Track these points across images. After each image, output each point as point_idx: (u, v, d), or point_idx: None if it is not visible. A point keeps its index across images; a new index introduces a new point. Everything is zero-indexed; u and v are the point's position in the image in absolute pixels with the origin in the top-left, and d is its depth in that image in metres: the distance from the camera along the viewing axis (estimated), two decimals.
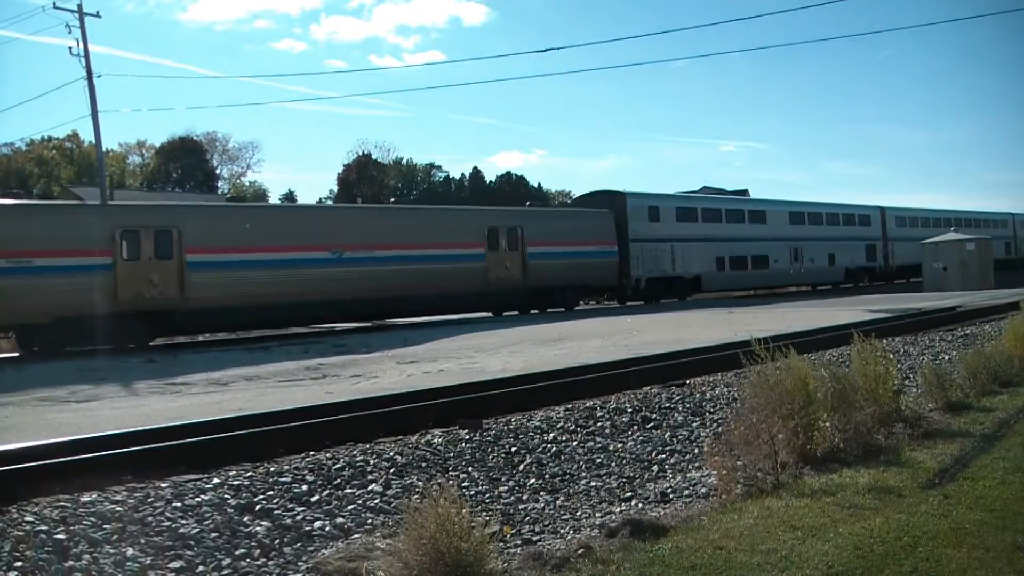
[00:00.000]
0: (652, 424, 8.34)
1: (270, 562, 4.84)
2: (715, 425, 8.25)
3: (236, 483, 5.95)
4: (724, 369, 11.33)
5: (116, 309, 21.33)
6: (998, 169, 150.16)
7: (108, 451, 6.74)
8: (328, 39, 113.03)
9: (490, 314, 30.24)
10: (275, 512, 5.52)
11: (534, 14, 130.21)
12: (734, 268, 37.88)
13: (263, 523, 5.33)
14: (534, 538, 5.26)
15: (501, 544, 5.02)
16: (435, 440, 7.39)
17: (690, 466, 6.98)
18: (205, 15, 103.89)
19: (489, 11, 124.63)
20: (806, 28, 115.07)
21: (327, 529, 5.34)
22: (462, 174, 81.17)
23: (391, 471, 6.50)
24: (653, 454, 7.35)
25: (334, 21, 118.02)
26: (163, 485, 5.85)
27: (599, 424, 8.23)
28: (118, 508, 5.35)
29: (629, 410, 8.78)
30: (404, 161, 79.06)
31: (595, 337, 19.53)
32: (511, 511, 5.82)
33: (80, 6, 32.20)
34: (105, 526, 5.05)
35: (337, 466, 6.51)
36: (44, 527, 4.96)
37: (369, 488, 6.11)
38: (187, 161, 53.97)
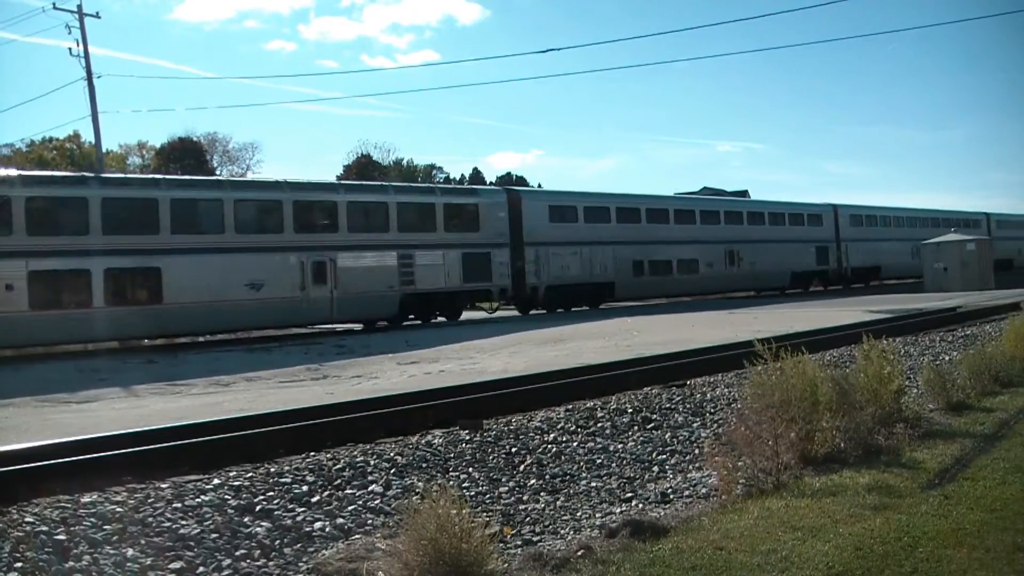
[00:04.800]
0: (652, 425, 8.34)
1: (270, 563, 4.84)
2: (715, 426, 8.25)
3: (236, 484, 5.95)
4: (725, 370, 11.33)
5: None
6: (998, 169, 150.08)
7: (108, 452, 6.74)
8: (319, 39, 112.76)
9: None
10: (275, 513, 5.52)
11: (529, 13, 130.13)
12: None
13: (263, 524, 5.33)
14: (534, 539, 5.26)
15: (501, 545, 5.02)
16: (435, 441, 7.39)
17: (690, 466, 6.98)
18: (193, 15, 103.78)
19: (483, 10, 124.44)
20: (805, 29, 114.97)
21: (327, 530, 5.34)
22: (462, 175, 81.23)
23: (391, 472, 6.50)
24: (653, 455, 7.35)
25: (324, 21, 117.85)
26: (163, 486, 5.85)
27: (599, 425, 8.23)
28: (118, 509, 5.35)
29: (630, 411, 8.78)
30: (404, 162, 78.94)
31: (596, 338, 19.53)
32: (511, 512, 5.82)
33: (80, 7, 32.29)
34: (105, 527, 5.05)
35: (337, 467, 6.51)
36: (44, 528, 4.96)
37: (369, 489, 6.11)
38: (187, 162, 53.93)
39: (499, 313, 31.10)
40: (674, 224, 36.83)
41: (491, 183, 74.44)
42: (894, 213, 51.74)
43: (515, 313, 31.83)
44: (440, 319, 28.22)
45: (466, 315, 29.88)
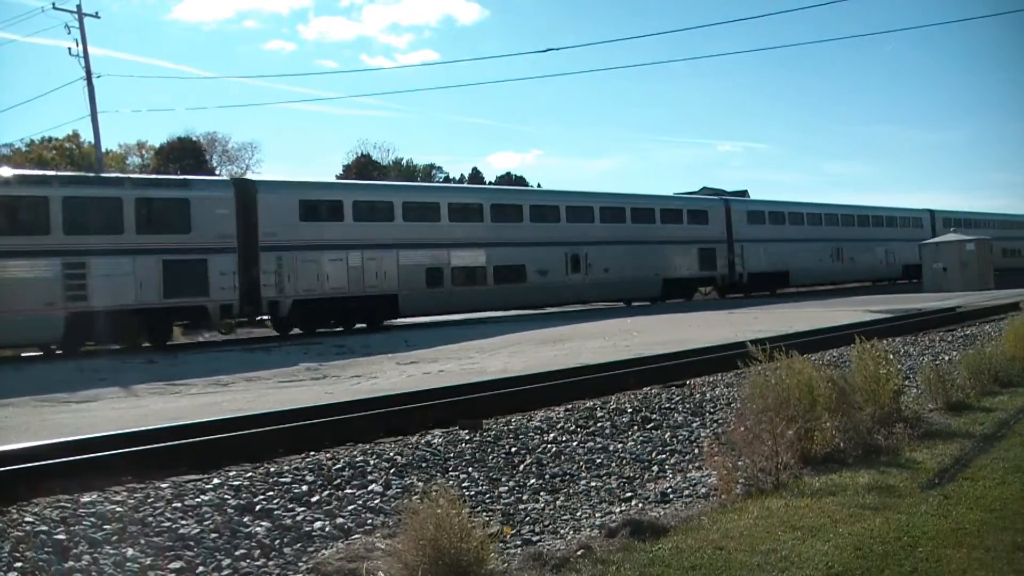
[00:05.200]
0: (652, 424, 8.34)
1: (270, 562, 4.85)
2: (715, 425, 8.25)
3: (236, 483, 5.96)
4: (724, 369, 11.33)
5: None
6: (1001, 169, 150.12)
7: (108, 451, 6.74)
8: (318, 39, 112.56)
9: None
10: (275, 512, 5.52)
11: (529, 13, 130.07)
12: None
13: (263, 523, 5.33)
14: (534, 538, 5.26)
15: (501, 544, 5.02)
16: (435, 440, 7.39)
17: (690, 466, 6.98)
18: (192, 15, 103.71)
19: (482, 10, 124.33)
20: (805, 29, 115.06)
21: (327, 529, 5.35)
22: (461, 175, 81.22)
23: (391, 471, 6.51)
24: (653, 454, 7.35)
25: (323, 21, 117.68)
26: (163, 485, 5.85)
27: (599, 424, 8.23)
28: (118, 508, 5.35)
29: (629, 410, 8.78)
30: (404, 162, 78.95)
31: (596, 338, 19.54)
32: (511, 511, 5.82)
33: (79, 7, 32.25)
34: (105, 526, 5.06)
35: (337, 466, 6.51)
36: (44, 527, 4.97)
37: (369, 488, 6.11)
38: (187, 162, 53.93)
39: (235, 335, 25.93)
40: (491, 222, 30.30)
41: (491, 182, 74.34)
42: (808, 210, 45.50)
43: (272, 333, 26.18)
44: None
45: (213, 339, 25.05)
